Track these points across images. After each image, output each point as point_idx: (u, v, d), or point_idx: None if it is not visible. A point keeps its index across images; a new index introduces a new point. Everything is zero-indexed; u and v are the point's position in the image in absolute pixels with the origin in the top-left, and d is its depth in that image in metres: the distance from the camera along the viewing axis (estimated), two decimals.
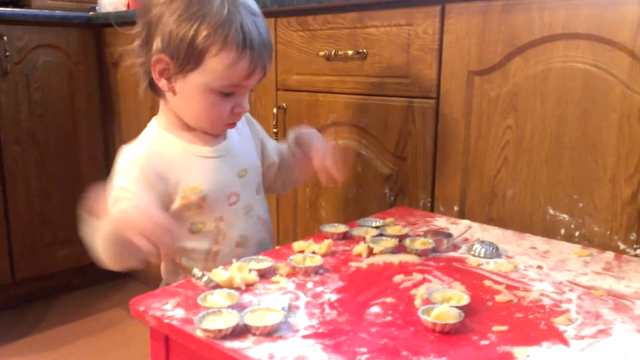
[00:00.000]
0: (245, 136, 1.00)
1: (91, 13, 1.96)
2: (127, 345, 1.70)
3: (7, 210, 1.82)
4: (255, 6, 0.87)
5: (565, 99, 0.92)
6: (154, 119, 0.95)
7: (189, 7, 0.82)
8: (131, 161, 0.89)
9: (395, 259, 0.83)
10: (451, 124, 1.07)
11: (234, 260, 0.77)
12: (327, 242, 0.85)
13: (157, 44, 0.84)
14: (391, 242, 0.86)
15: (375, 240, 0.87)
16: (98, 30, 1.96)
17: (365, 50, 1.18)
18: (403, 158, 1.16)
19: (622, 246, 0.89)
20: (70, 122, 1.95)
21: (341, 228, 0.93)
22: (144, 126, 1.84)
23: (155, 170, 0.88)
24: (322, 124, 1.30)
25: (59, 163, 1.94)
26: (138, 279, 2.14)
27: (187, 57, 0.82)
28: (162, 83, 0.87)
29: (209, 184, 0.90)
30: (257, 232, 0.97)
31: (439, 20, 1.05)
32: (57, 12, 1.88)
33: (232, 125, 0.92)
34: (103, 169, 2.04)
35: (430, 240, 0.87)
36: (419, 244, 0.86)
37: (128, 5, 1.96)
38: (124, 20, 1.80)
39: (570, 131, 0.92)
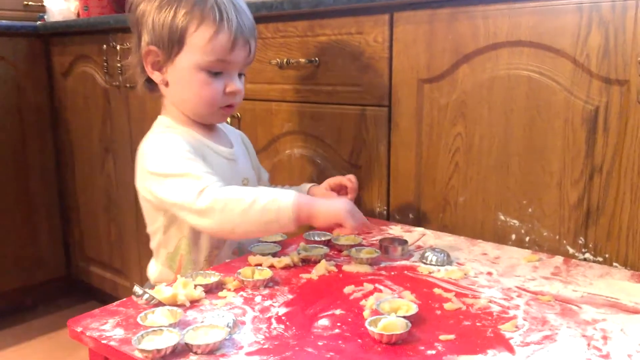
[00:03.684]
0: (246, 153, 1.05)
1: (39, 22, 1.89)
2: None
3: None
4: None
5: (510, 105, 0.93)
6: (161, 116, 0.96)
7: None
8: (178, 140, 0.88)
9: (351, 268, 0.82)
10: (403, 131, 1.07)
11: (178, 276, 0.75)
12: (284, 258, 0.84)
13: (145, 38, 0.90)
14: (322, 250, 0.87)
15: (308, 248, 0.88)
16: (47, 39, 1.90)
17: (317, 59, 1.17)
18: (358, 166, 1.15)
19: (571, 250, 0.90)
20: (19, 136, 1.88)
21: (273, 248, 0.90)
22: (96, 138, 1.80)
23: (197, 151, 0.89)
24: (277, 133, 1.28)
25: (8, 179, 1.86)
26: (93, 295, 2.08)
27: (171, 41, 0.87)
28: (155, 75, 0.91)
29: (225, 182, 0.89)
30: (251, 240, 0.97)
31: (388, 28, 1.05)
32: (4, 22, 1.82)
33: (229, 108, 0.94)
34: (54, 185, 1.97)
35: (376, 250, 0.87)
36: (365, 253, 0.86)
37: (78, 14, 1.90)
38: (74, 29, 1.75)
39: (516, 138, 0.93)
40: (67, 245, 2.01)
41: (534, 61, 0.89)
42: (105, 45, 1.65)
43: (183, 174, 0.83)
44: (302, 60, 1.19)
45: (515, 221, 0.95)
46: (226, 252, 0.96)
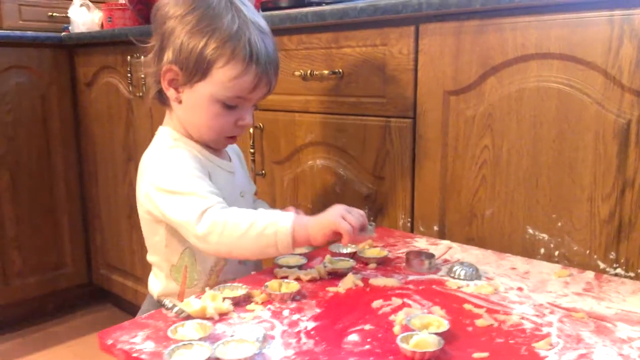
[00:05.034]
0: (241, 166, 1.05)
1: (64, 33, 1.93)
2: None
3: None
4: (265, 25, 0.91)
5: (540, 118, 0.92)
6: (163, 128, 0.96)
7: (200, 21, 0.86)
8: (186, 156, 0.89)
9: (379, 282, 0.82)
10: (428, 143, 1.06)
11: (207, 288, 0.75)
12: (311, 271, 0.84)
13: (168, 55, 0.88)
14: (348, 263, 0.87)
15: (334, 261, 0.88)
16: (71, 50, 1.93)
17: (341, 70, 1.17)
18: (381, 178, 1.15)
19: (601, 265, 0.88)
20: (43, 145, 1.91)
21: (299, 260, 0.90)
22: (119, 147, 1.82)
23: (203, 165, 0.90)
24: (300, 144, 1.29)
25: (32, 187, 1.89)
26: (115, 303, 2.09)
27: (196, 68, 0.86)
28: (170, 92, 0.91)
29: (227, 195, 0.90)
30: None
31: (414, 40, 1.05)
32: (29, 33, 1.85)
33: (233, 139, 0.95)
34: (77, 193, 2.00)
35: (385, 251, 0.90)
36: (374, 252, 0.89)
37: (102, 26, 1.93)
38: (98, 40, 1.78)
39: (546, 151, 0.92)
40: (89, 253, 2.03)
41: (563, 74, 0.88)
42: (129, 57, 1.67)
43: (189, 193, 0.83)
44: (326, 71, 1.19)
45: (544, 235, 0.93)
46: (233, 262, 0.95)
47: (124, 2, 1.88)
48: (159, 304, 0.93)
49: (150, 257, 0.96)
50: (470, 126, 1.00)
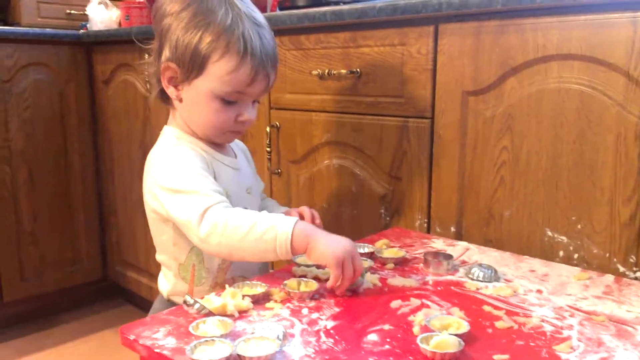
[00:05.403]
0: (247, 163, 1.05)
1: (82, 31, 1.94)
2: None
3: None
4: (260, 18, 0.90)
5: (560, 119, 0.91)
6: (168, 127, 0.96)
7: (194, 16, 0.86)
8: (189, 154, 0.89)
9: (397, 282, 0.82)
10: (446, 144, 1.06)
11: (226, 285, 0.76)
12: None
13: (166, 52, 0.89)
14: (366, 263, 0.87)
15: None
16: (89, 48, 1.94)
17: (358, 70, 1.17)
18: (398, 178, 1.15)
19: (621, 269, 0.88)
20: (60, 142, 1.93)
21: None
22: (136, 144, 1.83)
23: (207, 163, 0.90)
24: (316, 143, 1.29)
25: (49, 183, 1.91)
26: (129, 299, 2.11)
27: (192, 63, 0.86)
28: (170, 90, 0.91)
29: (233, 192, 0.91)
30: None
31: (433, 40, 1.05)
32: (48, 30, 1.87)
33: (237, 134, 0.95)
34: (94, 189, 2.02)
35: (403, 251, 0.90)
36: (392, 252, 0.90)
37: (119, 24, 1.95)
38: (116, 38, 1.79)
39: (566, 152, 0.91)
40: (105, 249, 2.05)
41: (585, 75, 0.88)
42: (146, 55, 1.68)
43: (192, 191, 0.83)
44: (343, 71, 1.19)
45: (563, 237, 0.93)
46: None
47: (142, 0, 1.89)
48: (170, 303, 0.94)
49: (158, 256, 0.97)
50: (489, 127, 1.00)
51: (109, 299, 2.11)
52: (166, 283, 0.96)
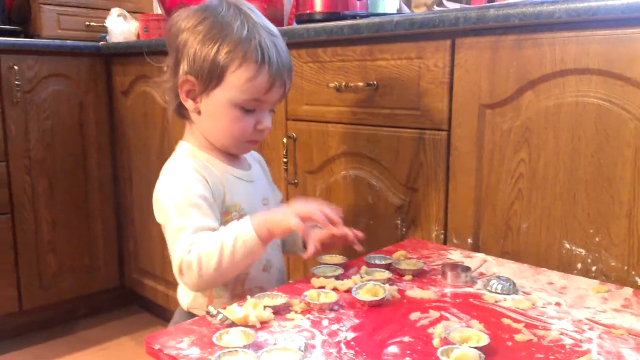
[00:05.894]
0: (263, 173, 1.06)
1: (101, 43, 1.98)
2: None
3: (16, 238, 1.82)
4: (274, 28, 0.93)
5: (578, 133, 0.92)
6: (182, 142, 0.98)
7: (211, 29, 0.89)
8: (191, 178, 0.90)
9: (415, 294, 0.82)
10: (463, 156, 1.07)
11: (248, 296, 0.77)
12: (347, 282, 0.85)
13: (183, 66, 0.91)
14: (384, 274, 0.88)
15: (370, 272, 0.89)
16: (108, 59, 1.98)
17: (375, 82, 1.19)
18: (415, 189, 1.16)
19: (639, 281, 0.88)
20: (79, 151, 1.96)
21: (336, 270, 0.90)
22: (154, 154, 1.86)
23: (214, 182, 0.92)
24: (332, 154, 1.30)
25: (68, 192, 1.94)
26: (145, 307, 2.13)
27: (210, 75, 0.89)
28: (188, 104, 0.93)
29: (246, 205, 0.94)
30: (278, 258, 1.02)
31: (450, 54, 1.06)
32: (68, 42, 1.91)
33: (254, 143, 0.97)
34: (111, 198, 2.05)
35: (421, 263, 0.91)
36: (410, 264, 0.91)
37: (138, 36, 1.98)
38: (134, 50, 1.82)
39: (584, 166, 0.92)
40: (122, 257, 2.08)
41: (602, 89, 0.88)
42: (165, 67, 1.71)
43: (179, 228, 0.86)
44: (360, 83, 1.21)
45: (581, 250, 0.93)
46: (256, 270, 0.96)
47: (160, 13, 1.93)
48: (190, 315, 0.95)
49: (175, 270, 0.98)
50: (506, 139, 1.01)
51: (126, 307, 2.14)
52: (185, 296, 0.98)
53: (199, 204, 0.88)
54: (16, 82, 1.77)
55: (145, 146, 1.89)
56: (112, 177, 2.04)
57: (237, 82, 0.88)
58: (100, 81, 1.99)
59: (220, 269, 0.83)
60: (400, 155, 1.17)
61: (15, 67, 1.77)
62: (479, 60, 1.02)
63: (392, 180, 1.20)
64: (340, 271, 0.90)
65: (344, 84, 1.24)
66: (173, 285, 1.84)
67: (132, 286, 2.06)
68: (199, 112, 0.93)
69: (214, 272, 0.83)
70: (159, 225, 2.05)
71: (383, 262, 0.94)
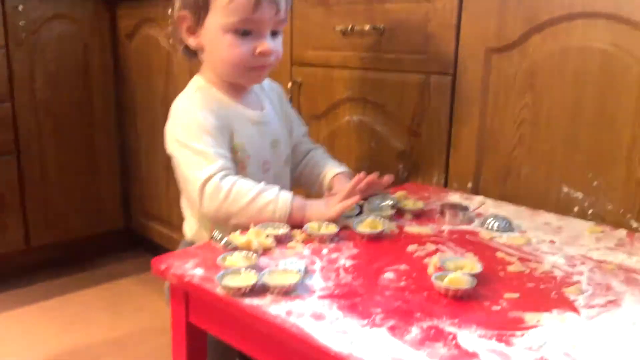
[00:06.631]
0: (278, 111, 1.05)
1: None
2: (140, 312, 1.73)
3: (23, 178, 1.84)
4: None
5: (583, 78, 0.92)
6: (197, 76, 0.98)
7: None
8: (202, 108, 0.91)
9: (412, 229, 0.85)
10: (467, 100, 1.07)
11: (251, 225, 0.79)
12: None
13: (176, 4, 0.92)
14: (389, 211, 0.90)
15: (373, 209, 0.90)
16: (113, 1, 1.96)
17: (382, 26, 1.18)
18: (418, 134, 1.17)
19: (635, 224, 0.89)
20: (84, 93, 1.96)
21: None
22: (158, 100, 1.86)
23: (222, 117, 0.92)
24: (337, 99, 1.30)
25: (74, 133, 1.95)
26: (150, 249, 2.17)
27: (197, 3, 0.89)
28: (190, 41, 0.93)
29: (252, 146, 0.94)
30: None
31: None
32: None
33: (262, 69, 0.94)
34: (117, 139, 2.07)
35: (420, 202, 0.93)
36: (409, 203, 0.93)
37: None
38: None
39: (587, 110, 0.92)
40: (128, 200, 2.11)
41: (609, 33, 0.88)
42: (170, 10, 1.69)
43: (198, 151, 0.86)
44: (367, 27, 1.20)
45: (579, 194, 0.95)
46: None
47: None
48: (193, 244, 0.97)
49: (183, 202, 1.00)
50: (511, 84, 1.01)
51: (132, 249, 2.18)
52: (190, 228, 1.00)
53: (213, 133, 0.89)
54: (21, 24, 1.76)
55: (149, 91, 1.89)
56: (118, 121, 2.05)
57: (220, 4, 0.88)
58: (104, 24, 1.97)
59: (239, 213, 0.84)
60: (405, 101, 1.17)
61: (20, 8, 1.75)
62: (487, 2, 1.01)
63: (396, 125, 1.20)
64: (357, 210, 0.91)
65: (350, 27, 1.23)
66: (177, 228, 1.88)
67: (137, 229, 2.10)
68: (202, 48, 0.94)
69: (234, 210, 0.84)
70: (164, 169, 2.07)
71: (387, 202, 0.96)
